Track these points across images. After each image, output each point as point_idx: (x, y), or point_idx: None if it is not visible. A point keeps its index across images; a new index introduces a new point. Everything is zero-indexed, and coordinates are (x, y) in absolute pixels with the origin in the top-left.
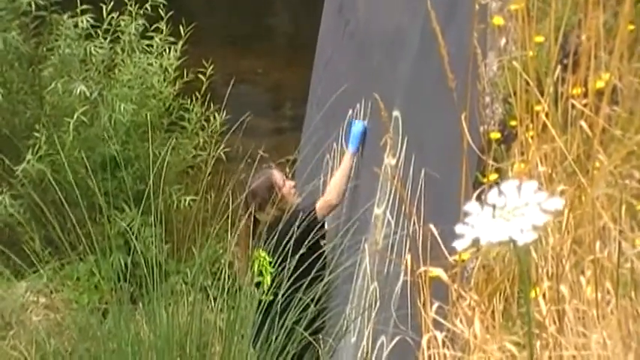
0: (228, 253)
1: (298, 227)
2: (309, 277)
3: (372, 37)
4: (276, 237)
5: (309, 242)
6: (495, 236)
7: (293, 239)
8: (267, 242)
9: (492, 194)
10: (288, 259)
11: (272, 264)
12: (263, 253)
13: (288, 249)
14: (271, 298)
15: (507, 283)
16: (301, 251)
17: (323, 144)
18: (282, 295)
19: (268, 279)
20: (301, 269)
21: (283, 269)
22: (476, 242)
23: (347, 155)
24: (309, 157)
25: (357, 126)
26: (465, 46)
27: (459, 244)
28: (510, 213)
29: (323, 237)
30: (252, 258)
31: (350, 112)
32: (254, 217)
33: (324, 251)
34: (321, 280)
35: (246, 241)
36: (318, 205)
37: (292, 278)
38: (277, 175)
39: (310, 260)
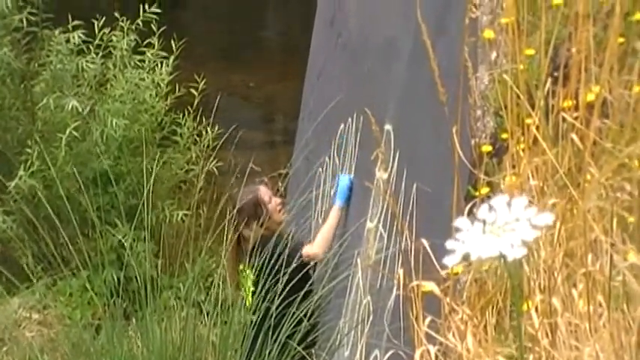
0: (221, 267)
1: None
2: (295, 296)
3: (363, 50)
4: (261, 258)
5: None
6: (486, 252)
7: (280, 263)
8: (251, 260)
9: (483, 210)
10: (271, 282)
11: (255, 283)
12: (248, 271)
13: (274, 274)
14: (253, 316)
15: (500, 297)
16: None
17: (315, 157)
18: (268, 314)
19: (250, 298)
20: (288, 289)
21: (267, 289)
22: (466, 257)
23: (334, 209)
24: (301, 171)
25: (344, 180)
26: (456, 60)
27: (449, 260)
28: (501, 228)
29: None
30: (238, 274)
31: (342, 126)
32: (240, 233)
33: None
34: (307, 299)
35: (234, 257)
36: (304, 251)
37: (279, 299)
38: (264, 192)
39: (296, 281)
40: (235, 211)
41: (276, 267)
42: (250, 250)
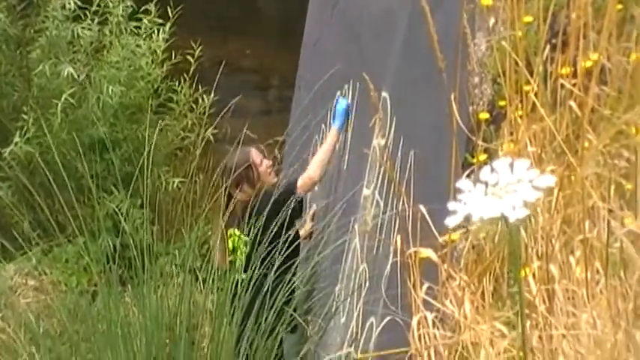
0: (217, 234)
1: (276, 203)
2: (286, 257)
3: (361, 18)
4: (252, 214)
5: (279, 219)
6: (487, 213)
7: (268, 216)
8: (241, 220)
9: (485, 171)
10: (264, 237)
11: (246, 243)
12: (237, 232)
13: (263, 226)
14: (244, 276)
15: (497, 264)
16: (274, 228)
17: (311, 125)
18: (259, 274)
19: (242, 257)
20: (275, 246)
21: (258, 248)
22: (467, 219)
23: (331, 131)
24: (298, 139)
25: (341, 103)
26: (454, 27)
27: (450, 221)
28: (502, 190)
29: (300, 214)
30: (226, 236)
31: (338, 93)
32: (230, 194)
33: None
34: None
35: (222, 219)
36: (300, 180)
37: (267, 258)
38: (255, 154)
39: (285, 238)
40: (226, 171)
41: (267, 224)
42: (242, 211)
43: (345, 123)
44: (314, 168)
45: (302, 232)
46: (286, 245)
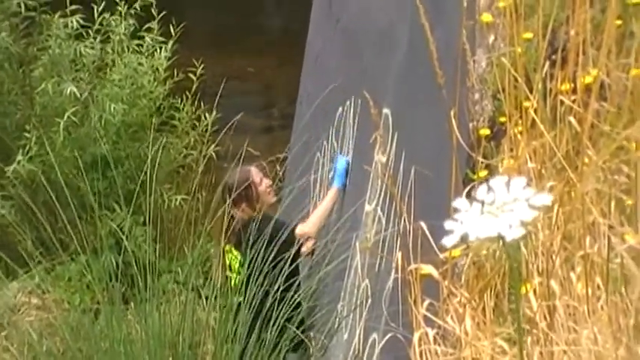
0: (219, 252)
1: (273, 237)
2: (286, 276)
3: (362, 34)
4: (249, 237)
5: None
6: (484, 232)
7: (268, 243)
8: (239, 240)
9: (481, 190)
10: (259, 263)
11: (242, 264)
12: (235, 252)
13: (260, 253)
14: (240, 297)
15: (498, 280)
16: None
17: (313, 141)
18: (267, 298)
19: (235, 276)
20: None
21: (263, 272)
22: (465, 238)
23: (331, 190)
24: (300, 155)
25: (341, 162)
26: (454, 43)
27: (447, 241)
28: (499, 209)
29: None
30: (224, 254)
31: (340, 109)
32: (230, 213)
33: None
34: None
35: (221, 236)
36: (298, 229)
37: (267, 276)
38: (255, 173)
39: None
40: (225, 189)
41: (266, 248)
42: (238, 230)
43: (345, 182)
44: (310, 225)
45: (304, 249)
46: (287, 264)
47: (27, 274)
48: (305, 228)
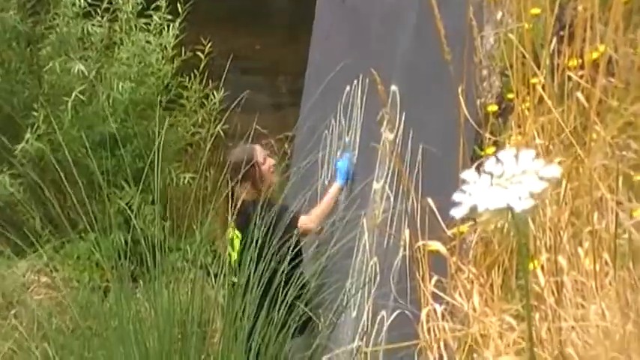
0: (227, 230)
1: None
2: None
3: (371, 11)
4: (250, 219)
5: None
6: (493, 204)
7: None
8: (242, 221)
9: (489, 163)
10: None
11: (243, 244)
12: (237, 232)
13: (262, 235)
14: (238, 277)
15: (506, 256)
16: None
17: (321, 119)
18: (275, 276)
19: (235, 255)
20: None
21: (255, 250)
22: (473, 211)
23: (334, 187)
24: (308, 133)
25: (343, 163)
26: (462, 20)
27: (456, 212)
28: (508, 181)
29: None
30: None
31: (348, 88)
32: (233, 191)
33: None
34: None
35: (224, 213)
36: (301, 220)
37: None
38: (259, 152)
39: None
40: (229, 167)
41: (268, 231)
42: (239, 209)
43: (347, 179)
44: (313, 218)
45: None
46: (291, 245)
47: (36, 252)
48: (308, 224)
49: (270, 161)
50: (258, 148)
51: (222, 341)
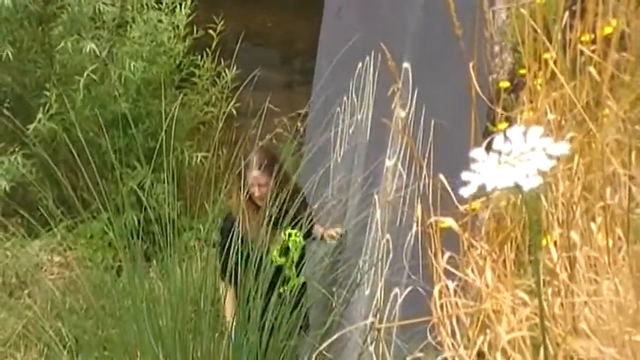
0: (240, 208)
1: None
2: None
3: None
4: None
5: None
6: (501, 182)
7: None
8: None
9: (498, 140)
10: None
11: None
12: (294, 232)
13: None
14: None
15: (518, 232)
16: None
17: (333, 97)
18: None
19: (296, 256)
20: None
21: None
22: (483, 189)
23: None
24: (320, 111)
25: None
26: None
27: (465, 191)
28: (516, 158)
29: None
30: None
31: (360, 64)
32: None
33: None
34: None
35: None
36: (315, 228)
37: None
38: (253, 177)
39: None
40: (270, 158)
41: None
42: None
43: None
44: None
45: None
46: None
47: (49, 232)
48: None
49: (262, 189)
50: (255, 172)
51: (235, 319)
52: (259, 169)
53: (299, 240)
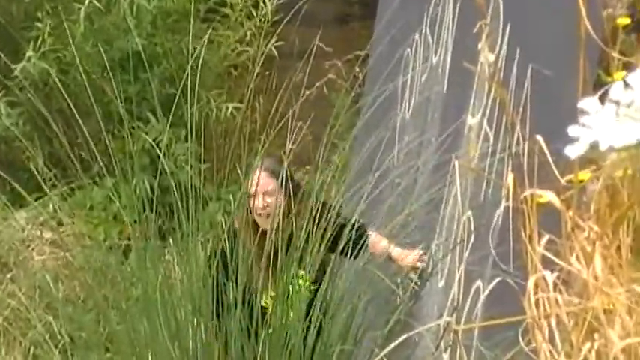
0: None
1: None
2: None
3: None
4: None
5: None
6: (619, 140)
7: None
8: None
9: (615, 88)
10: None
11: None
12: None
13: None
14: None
15: (638, 210)
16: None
17: (401, 34)
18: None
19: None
20: None
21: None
22: (595, 149)
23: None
24: (385, 53)
25: None
26: None
27: (572, 151)
28: (638, 111)
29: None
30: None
31: None
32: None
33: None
34: None
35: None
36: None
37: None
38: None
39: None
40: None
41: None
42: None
43: None
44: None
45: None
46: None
47: (38, 201)
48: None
49: (264, 211)
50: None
51: (277, 309)
52: (267, 171)
53: (307, 285)
